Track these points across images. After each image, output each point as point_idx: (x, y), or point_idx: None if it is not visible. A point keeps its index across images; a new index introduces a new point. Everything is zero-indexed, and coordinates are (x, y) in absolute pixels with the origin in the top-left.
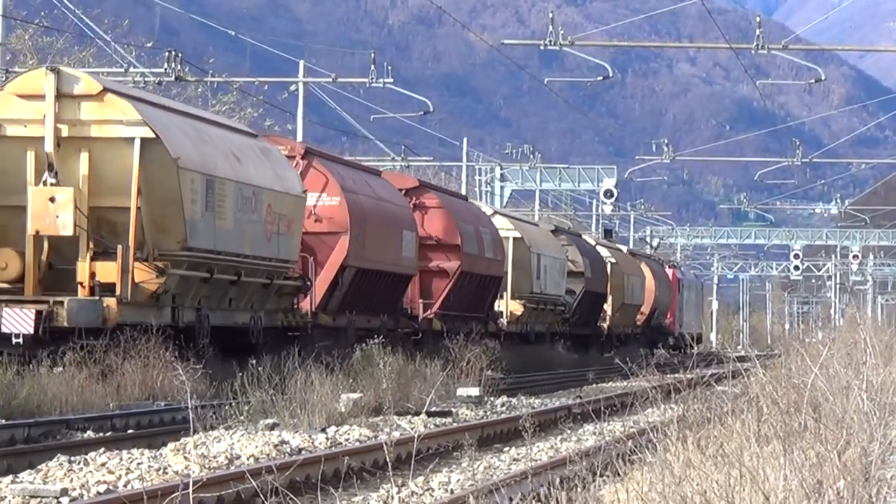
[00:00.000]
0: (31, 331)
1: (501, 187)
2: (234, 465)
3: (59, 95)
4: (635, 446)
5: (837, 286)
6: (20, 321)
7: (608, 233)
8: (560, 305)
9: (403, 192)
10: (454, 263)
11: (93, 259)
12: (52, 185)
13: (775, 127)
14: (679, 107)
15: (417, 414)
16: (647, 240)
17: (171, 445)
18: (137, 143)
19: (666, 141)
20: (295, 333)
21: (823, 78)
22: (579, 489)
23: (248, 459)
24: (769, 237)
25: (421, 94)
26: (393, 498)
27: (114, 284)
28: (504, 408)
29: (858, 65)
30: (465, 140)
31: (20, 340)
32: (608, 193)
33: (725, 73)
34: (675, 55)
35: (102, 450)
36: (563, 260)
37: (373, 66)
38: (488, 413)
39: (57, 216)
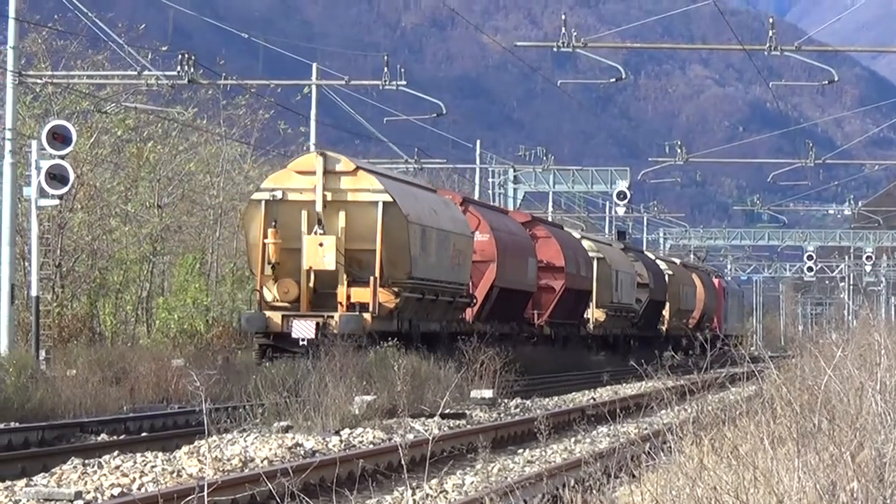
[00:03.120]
0: (313, 336)
1: (514, 189)
2: (248, 468)
3: (325, 172)
4: (650, 448)
5: (851, 287)
6: (305, 329)
7: (621, 235)
8: (631, 312)
9: (521, 223)
10: (560, 281)
11: (348, 286)
12: (320, 234)
13: (788, 128)
14: (692, 108)
15: (431, 416)
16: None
17: (185, 448)
18: (381, 205)
19: (679, 142)
20: (462, 337)
21: (836, 79)
22: (594, 491)
23: (262, 462)
24: (782, 238)
25: (434, 97)
26: (407, 501)
27: (366, 304)
28: (518, 410)
29: (871, 66)
30: (478, 142)
31: (305, 343)
32: (621, 195)
33: (738, 74)
34: (688, 57)
35: (116, 452)
36: (633, 274)
37: (386, 69)
38: (502, 415)
39: (324, 256)
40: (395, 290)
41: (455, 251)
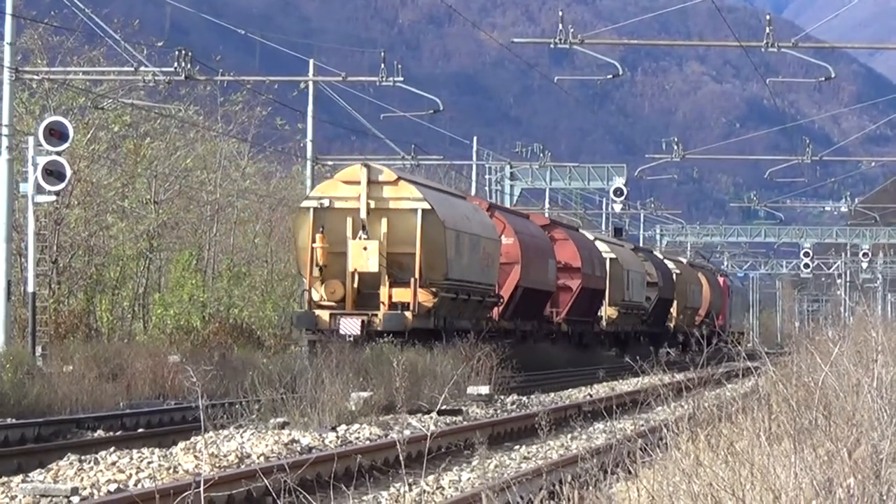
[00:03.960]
0: (358, 332)
1: (511, 186)
2: (245, 464)
3: (369, 181)
4: (646, 444)
5: (847, 284)
6: (352, 326)
7: (618, 232)
8: (641, 310)
9: (541, 226)
10: (577, 281)
11: (390, 287)
12: (364, 239)
13: (785, 125)
14: (689, 105)
15: (428, 412)
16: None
17: (181, 444)
18: (420, 212)
19: (676, 139)
20: (490, 334)
21: (833, 76)
22: (591, 487)
23: (258, 458)
24: (779, 235)
25: (431, 93)
26: (404, 496)
27: (406, 303)
28: (514, 406)
29: (868, 63)
30: (475, 139)
31: (351, 339)
32: (618, 192)
33: (735, 71)
34: (685, 53)
35: (113, 449)
36: (643, 273)
37: (383, 65)
38: (498, 411)
39: (368, 259)
40: (433, 290)
41: (485, 254)
